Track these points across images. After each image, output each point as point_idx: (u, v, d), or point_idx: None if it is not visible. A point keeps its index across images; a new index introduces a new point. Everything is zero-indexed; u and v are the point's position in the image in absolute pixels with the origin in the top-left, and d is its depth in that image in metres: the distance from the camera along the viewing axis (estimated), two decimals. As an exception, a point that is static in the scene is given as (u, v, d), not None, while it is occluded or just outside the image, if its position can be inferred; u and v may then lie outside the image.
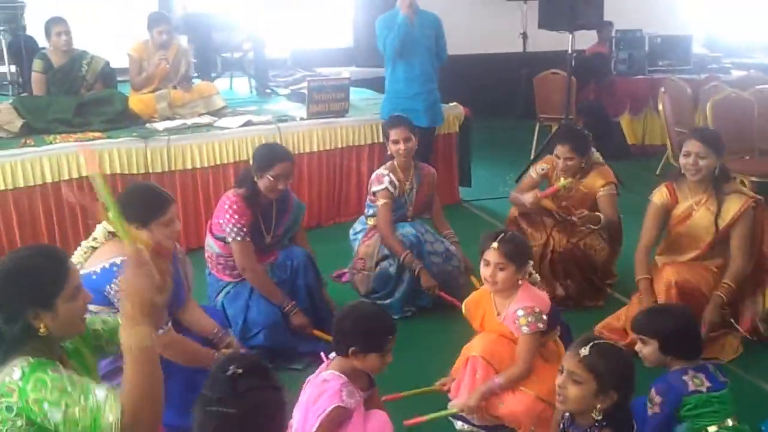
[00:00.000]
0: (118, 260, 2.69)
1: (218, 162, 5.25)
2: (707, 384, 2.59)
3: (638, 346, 2.73)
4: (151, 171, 4.97)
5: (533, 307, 2.90)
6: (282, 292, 3.67)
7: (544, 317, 2.90)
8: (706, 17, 10.98)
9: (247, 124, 5.47)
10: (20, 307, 1.87)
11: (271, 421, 1.77)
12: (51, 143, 4.77)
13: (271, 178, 3.58)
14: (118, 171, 4.87)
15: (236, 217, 3.56)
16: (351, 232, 4.49)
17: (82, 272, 2.52)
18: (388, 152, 4.33)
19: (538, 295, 3.00)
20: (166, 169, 5.04)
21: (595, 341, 2.29)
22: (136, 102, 5.57)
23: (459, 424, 3.05)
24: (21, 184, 4.55)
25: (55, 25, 5.58)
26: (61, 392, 1.79)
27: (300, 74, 7.88)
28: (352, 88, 6.05)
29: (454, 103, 6.35)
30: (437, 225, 4.47)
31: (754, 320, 3.61)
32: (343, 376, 2.45)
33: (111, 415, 1.77)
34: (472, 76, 8.75)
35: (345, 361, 2.47)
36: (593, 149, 4.37)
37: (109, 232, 2.82)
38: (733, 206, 3.55)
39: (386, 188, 4.18)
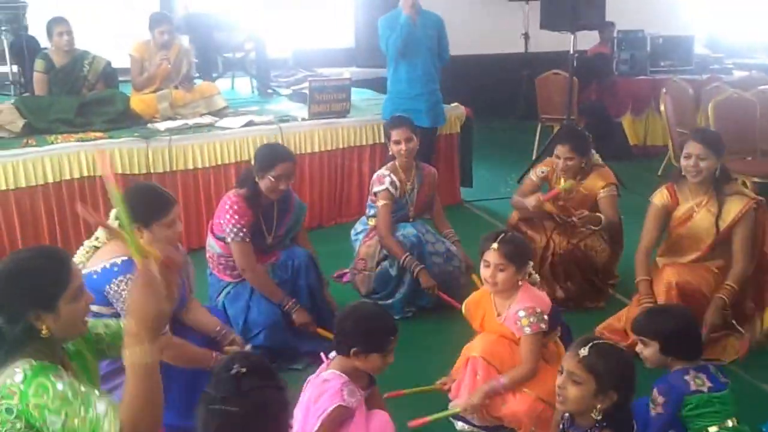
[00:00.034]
0: (119, 260, 2.70)
1: (220, 162, 5.25)
2: (708, 384, 2.59)
3: (639, 348, 2.73)
4: (152, 171, 4.97)
5: (534, 307, 2.90)
6: (282, 291, 3.67)
7: (546, 317, 2.90)
8: (708, 18, 10.97)
9: (249, 124, 5.47)
10: (22, 308, 1.87)
11: (274, 421, 1.78)
12: (52, 143, 4.77)
13: (273, 179, 3.58)
14: (120, 171, 4.86)
15: (236, 217, 3.56)
16: (352, 232, 4.49)
17: (83, 272, 2.52)
18: (390, 153, 4.33)
19: (539, 295, 3.00)
20: (168, 170, 5.03)
21: (595, 341, 2.29)
22: (138, 102, 5.57)
23: (460, 425, 3.05)
24: (23, 184, 4.55)
25: (56, 25, 5.59)
26: (62, 401, 1.79)
27: (301, 74, 7.88)
28: (353, 89, 6.05)
29: (456, 104, 6.35)
30: (438, 224, 4.47)
31: (752, 343, 3.58)
32: (344, 375, 2.45)
33: (110, 429, 1.78)
34: (474, 76, 8.76)
35: (346, 360, 2.47)
36: (593, 151, 4.37)
37: (112, 232, 2.82)
38: (734, 208, 3.54)
39: (387, 189, 4.18)
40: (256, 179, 3.62)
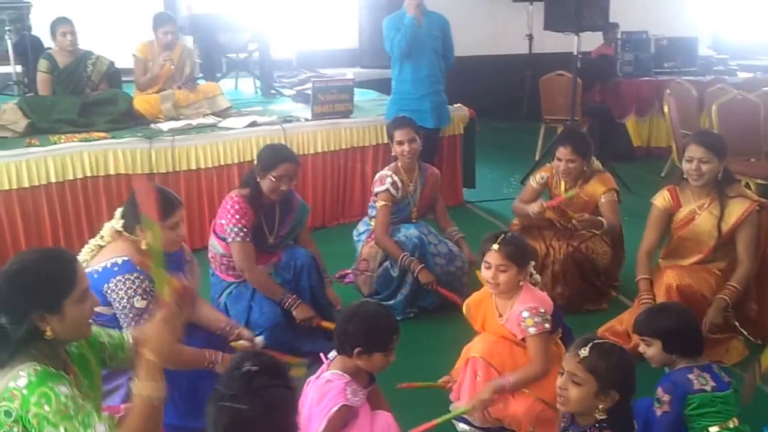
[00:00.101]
0: (119, 260, 2.70)
1: (223, 163, 5.25)
2: (712, 384, 2.59)
3: (642, 348, 2.74)
4: (155, 171, 4.97)
5: (537, 307, 2.89)
6: (282, 288, 3.66)
7: (549, 317, 2.90)
8: (713, 19, 10.94)
9: (252, 124, 5.47)
10: (27, 309, 1.88)
11: (284, 420, 1.77)
12: (55, 143, 4.78)
13: (274, 179, 3.58)
14: (123, 171, 4.88)
15: (237, 217, 3.56)
16: (354, 233, 4.49)
17: (86, 271, 2.53)
18: (393, 153, 4.32)
19: (540, 295, 2.99)
20: (171, 170, 5.04)
21: (595, 342, 2.28)
22: (141, 102, 5.58)
23: (461, 426, 3.05)
24: (26, 183, 4.55)
25: (60, 25, 5.60)
26: (63, 416, 1.79)
27: (305, 75, 7.89)
28: (356, 89, 6.06)
29: (459, 105, 6.34)
30: (441, 224, 4.46)
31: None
32: (345, 375, 2.45)
33: None
34: (478, 77, 8.75)
35: (347, 360, 2.47)
36: (593, 157, 4.36)
37: (116, 231, 2.82)
38: (736, 210, 3.53)
39: (387, 190, 4.18)
40: (258, 179, 3.62)
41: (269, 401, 1.73)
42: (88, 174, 4.77)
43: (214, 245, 3.71)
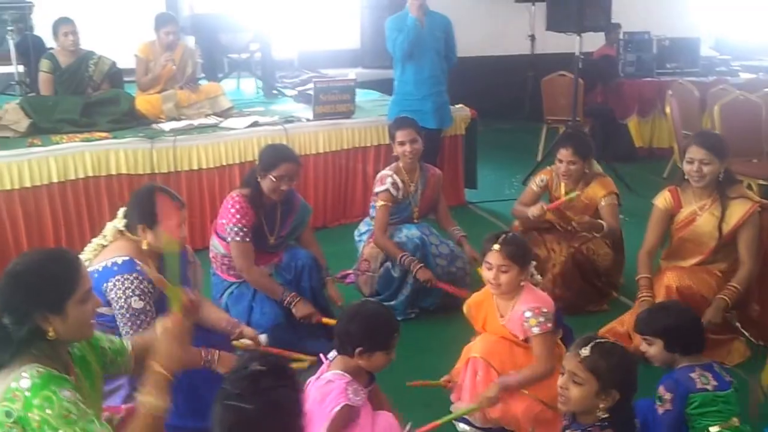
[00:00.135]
0: (119, 260, 2.71)
1: (224, 163, 5.25)
2: (714, 383, 2.59)
3: (644, 347, 2.74)
4: (156, 171, 4.98)
5: (540, 307, 2.89)
6: (282, 286, 3.66)
7: (552, 316, 2.90)
8: (715, 20, 10.92)
9: (254, 125, 5.47)
10: (30, 310, 1.88)
11: (289, 421, 1.77)
12: (57, 143, 4.78)
13: (274, 179, 3.58)
14: (124, 171, 4.88)
15: (237, 216, 3.57)
16: (356, 233, 4.49)
17: (88, 270, 2.53)
18: (394, 154, 4.32)
19: (542, 295, 2.99)
20: (172, 170, 5.04)
21: (596, 341, 2.28)
22: (143, 102, 5.58)
23: (461, 426, 3.05)
24: (27, 183, 4.55)
25: (62, 25, 5.61)
26: (65, 421, 1.79)
27: (307, 75, 7.88)
28: (358, 90, 6.06)
29: (461, 105, 6.34)
30: (443, 223, 4.46)
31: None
32: (346, 375, 2.45)
33: None
34: (480, 77, 8.74)
35: (348, 360, 2.48)
36: (594, 160, 4.36)
37: (119, 231, 2.83)
38: (737, 211, 3.52)
39: (387, 190, 4.18)
40: (259, 179, 3.62)
41: (275, 401, 1.73)
42: (90, 174, 4.77)
43: (216, 245, 3.71)
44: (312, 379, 2.55)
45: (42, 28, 6.42)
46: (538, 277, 3.16)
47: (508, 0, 9.53)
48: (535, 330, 2.87)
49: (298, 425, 1.81)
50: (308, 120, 5.68)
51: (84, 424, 1.82)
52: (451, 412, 3.00)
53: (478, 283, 3.33)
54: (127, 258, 2.71)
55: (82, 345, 2.11)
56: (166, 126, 5.30)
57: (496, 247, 2.90)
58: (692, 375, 2.60)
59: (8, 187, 4.50)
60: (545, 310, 2.89)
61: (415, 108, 5.37)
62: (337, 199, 5.80)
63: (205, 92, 5.86)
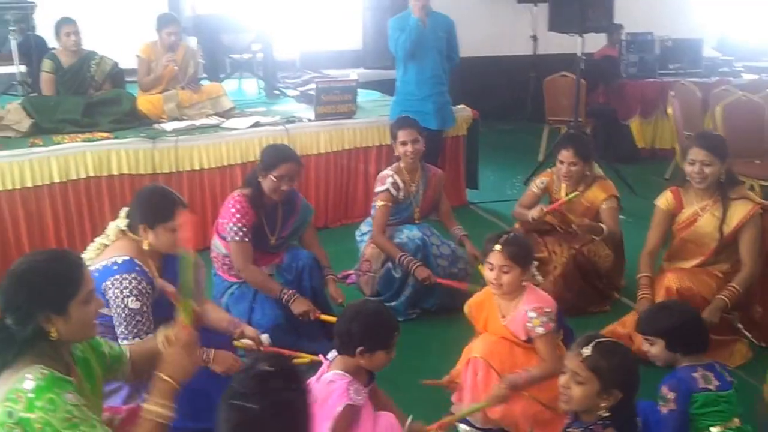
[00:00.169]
0: (119, 259, 2.71)
1: (226, 163, 5.26)
2: (716, 383, 2.59)
3: (645, 347, 2.74)
4: (158, 172, 4.98)
5: (543, 307, 2.89)
6: (279, 284, 3.65)
7: (554, 316, 2.90)
8: (718, 20, 10.91)
9: (255, 125, 5.47)
10: (33, 310, 1.88)
11: (294, 424, 1.76)
12: (59, 143, 4.79)
13: (275, 178, 3.58)
14: (126, 171, 4.88)
15: (238, 216, 3.56)
16: (357, 233, 4.48)
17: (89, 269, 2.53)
18: (396, 154, 4.32)
19: (544, 295, 2.99)
20: (174, 170, 5.05)
21: (597, 340, 2.27)
22: (145, 102, 5.58)
23: (462, 426, 3.04)
24: (29, 183, 4.56)
25: (64, 25, 5.62)
26: (68, 424, 1.80)
27: (308, 76, 7.88)
28: (360, 90, 6.06)
29: (462, 106, 6.33)
30: (446, 223, 4.45)
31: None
32: (347, 375, 2.45)
33: None
34: (482, 78, 8.75)
35: (348, 360, 2.47)
36: (594, 163, 4.35)
37: (121, 231, 2.83)
38: (738, 212, 3.52)
39: (388, 190, 4.18)
40: (260, 179, 3.62)
41: (281, 403, 1.72)
42: (91, 174, 4.78)
43: (217, 245, 3.71)
44: (312, 379, 2.54)
45: (44, 28, 6.41)
46: (539, 277, 3.16)
47: (511, 0, 9.54)
48: (539, 330, 2.87)
49: (303, 428, 1.80)
50: (310, 120, 5.68)
51: (86, 427, 1.82)
52: (452, 413, 2.99)
53: (479, 282, 3.32)
54: (127, 258, 2.71)
55: (84, 347, 2.11)
56: (168, 126, 5.30)
57: (498, 247, 2.90)
58: (695, 375, 2.59)
59: (10, 187, 4.51)
60: (548, 309, 2.89)
61: (416, 108, 5.36)
62: (339, 199, 5.80)
63: (207, 92, 5.86)
